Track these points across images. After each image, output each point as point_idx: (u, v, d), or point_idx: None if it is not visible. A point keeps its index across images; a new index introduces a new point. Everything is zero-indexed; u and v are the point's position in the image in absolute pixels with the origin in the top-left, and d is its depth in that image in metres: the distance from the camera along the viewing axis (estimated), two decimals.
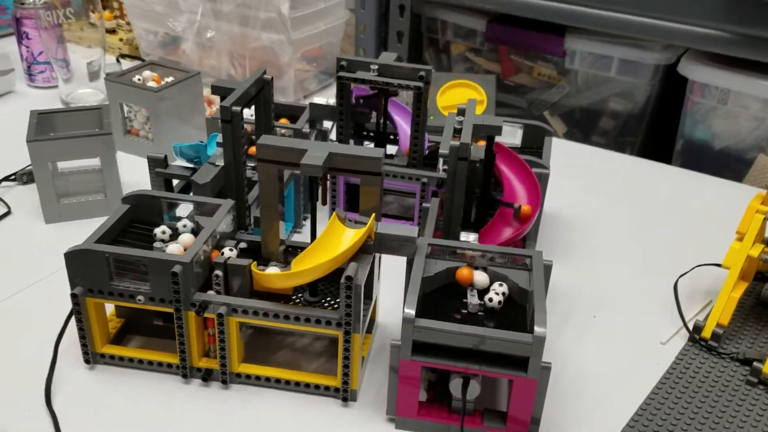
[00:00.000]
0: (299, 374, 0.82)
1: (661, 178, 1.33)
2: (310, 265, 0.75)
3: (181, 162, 0.96)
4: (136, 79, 1.29)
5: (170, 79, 1.31)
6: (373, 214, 0.78)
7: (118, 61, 1.68)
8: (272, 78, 0.97)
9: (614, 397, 0.84)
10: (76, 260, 0.77)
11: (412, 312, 0.71)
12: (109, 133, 1.07)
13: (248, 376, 0.82)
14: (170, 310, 0.78)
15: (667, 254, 1.10)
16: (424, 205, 0.92)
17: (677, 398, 0.83)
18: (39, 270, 0.99)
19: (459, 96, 1.45)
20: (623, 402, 0.83)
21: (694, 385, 0.85)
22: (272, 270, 0.81)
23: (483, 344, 0.71)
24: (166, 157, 0.92)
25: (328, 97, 1.49)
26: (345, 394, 0.80)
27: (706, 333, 0.91)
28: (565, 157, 1.39)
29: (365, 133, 1.18)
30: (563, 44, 1.46)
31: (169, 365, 0.83)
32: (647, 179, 1.33)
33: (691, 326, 0.93)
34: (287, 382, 0.81)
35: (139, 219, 0.87)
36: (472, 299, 0.77)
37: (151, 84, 1.30)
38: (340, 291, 0.74)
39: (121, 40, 1.77)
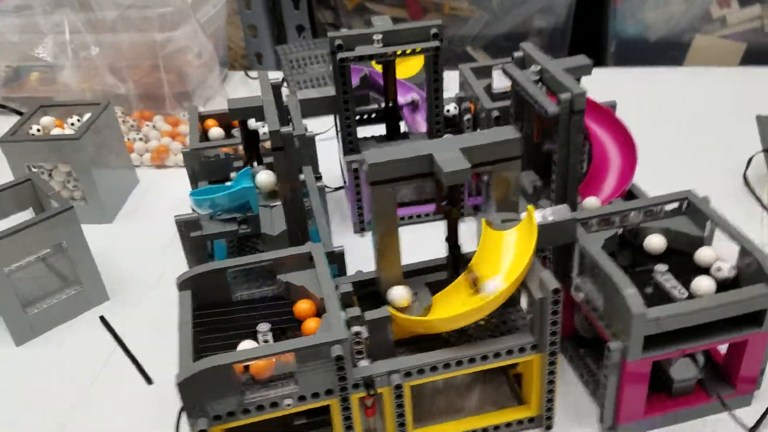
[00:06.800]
0: (487, 417, 0.68)
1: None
2: (496, 293, 0.60)
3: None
4: (34, 131, 1.01)
5: (74, 118, 1.04)
6: (530, 206, 0.64)
7: None
8: (283, 80, 0.77)
9: None
10: (198, 385, 0.56)
11: (640, 303, 0.59)
12: (70, 208, 0.82)
13: None
14: (327, 403, 0.60)
15: None
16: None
17: None
18: (22, 414, 0.75)
19: None
20: None
21: None
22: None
23: (712, 315, 0.61)
24: (198, 215, 0.71)
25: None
26: (549, 422, 0.67)
27: None
28: None
29: (358, 117, 1.01)
30: None
31: None
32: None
33: None
34: (483, 430, 0.67)
35: (200, 305, 0.67)
36: (666, 280, 0.66)
37: (56, 131, 1.02)
38: (533, 308, 0.61)
39: None
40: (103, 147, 1.03)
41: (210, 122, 0.98)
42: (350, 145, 0.92)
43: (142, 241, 1.00)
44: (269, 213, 0.70)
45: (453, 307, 0.63)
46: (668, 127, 1.16)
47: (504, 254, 0.63)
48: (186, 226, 0.70)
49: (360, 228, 0.96)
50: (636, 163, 0.79)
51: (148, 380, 0.77)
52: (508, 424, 0.68)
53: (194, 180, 0.88)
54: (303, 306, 0.65)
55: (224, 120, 0.98)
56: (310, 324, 0.62)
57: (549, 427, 0.68)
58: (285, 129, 0.67)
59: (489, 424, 0.67)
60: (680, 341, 0.62)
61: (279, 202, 0.71)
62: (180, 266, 0.94)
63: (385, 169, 0.61)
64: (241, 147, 0.88)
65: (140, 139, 1.19)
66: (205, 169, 0.87)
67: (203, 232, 0.70)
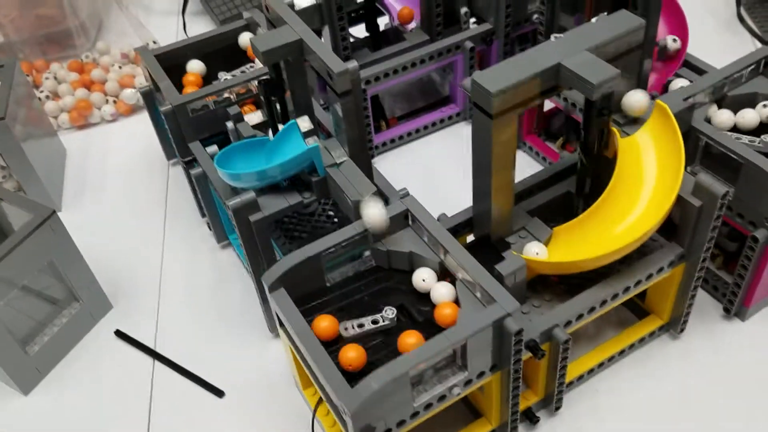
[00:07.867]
0: (623, 338, 0.63)
1: None
2: (661, 210, 0.52)
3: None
4: None
5: None
6: (658, 100, 0.56)
7: None
8: None
9: None
10: (372, 406, 0.46)
11: None
12: (52, 213, 0.64)
13: (590, 371, 0.61)
14: (490, 379, 0.52)
15: None
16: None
17: None
18: None
19: None
20: None
21: None
22: (534, 248, 0.57)
23: None
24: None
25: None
26: (684, 325, 0.63)
27: None
28: None
29: None
30: None
31: None
32: None
33: None
34: (620, 352, 0.62)
35: (296, 301, 0.54)
36: None
37: None
38: (685, 217, 0.55)
39: None
40: (24, 119, 0.82)
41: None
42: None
43: (111, 225, 0.84)
44: (340, 173, 0.57)
45: (593, 241, 0.55)
46: None
47: (646, 163, 0.55)
48: (243, 211, 0.56)
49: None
50: (687, 30, 0.72)
51: (218, 393, 0.65)
52: (642, 339, 0.63)
53: (182, 143, 0.72)
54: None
55: (182, 59, 0.80)
56: (444, 303, 0.52)
57: (683, 330, 0.64)
58: (353, 65, 0.54)
59: (625, 345, 0.63)
60: None
61: (345, 158, 0.58)
62: (173, 246, 0.79)
63: (515, 94, 0.50)
64: (229, 92, 0.73)
65: (47, 97, 0.97)
66: (194, 127, 0.71)
67: (265, 212, 0.57)
